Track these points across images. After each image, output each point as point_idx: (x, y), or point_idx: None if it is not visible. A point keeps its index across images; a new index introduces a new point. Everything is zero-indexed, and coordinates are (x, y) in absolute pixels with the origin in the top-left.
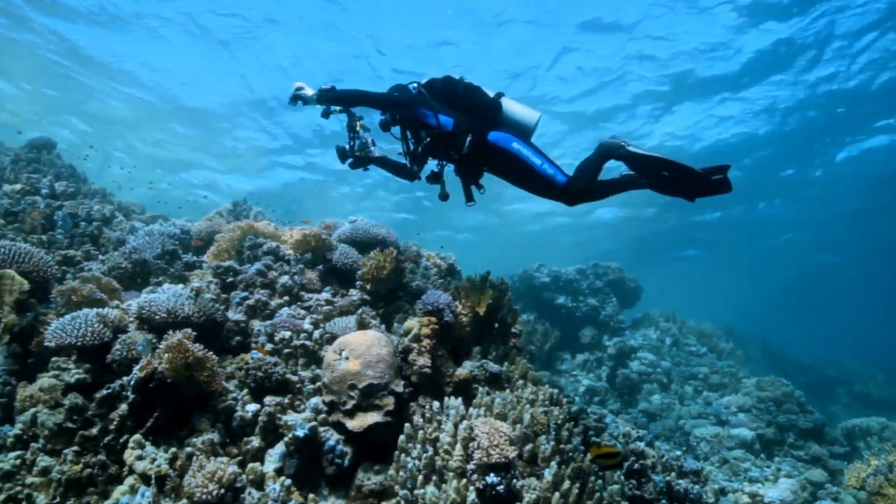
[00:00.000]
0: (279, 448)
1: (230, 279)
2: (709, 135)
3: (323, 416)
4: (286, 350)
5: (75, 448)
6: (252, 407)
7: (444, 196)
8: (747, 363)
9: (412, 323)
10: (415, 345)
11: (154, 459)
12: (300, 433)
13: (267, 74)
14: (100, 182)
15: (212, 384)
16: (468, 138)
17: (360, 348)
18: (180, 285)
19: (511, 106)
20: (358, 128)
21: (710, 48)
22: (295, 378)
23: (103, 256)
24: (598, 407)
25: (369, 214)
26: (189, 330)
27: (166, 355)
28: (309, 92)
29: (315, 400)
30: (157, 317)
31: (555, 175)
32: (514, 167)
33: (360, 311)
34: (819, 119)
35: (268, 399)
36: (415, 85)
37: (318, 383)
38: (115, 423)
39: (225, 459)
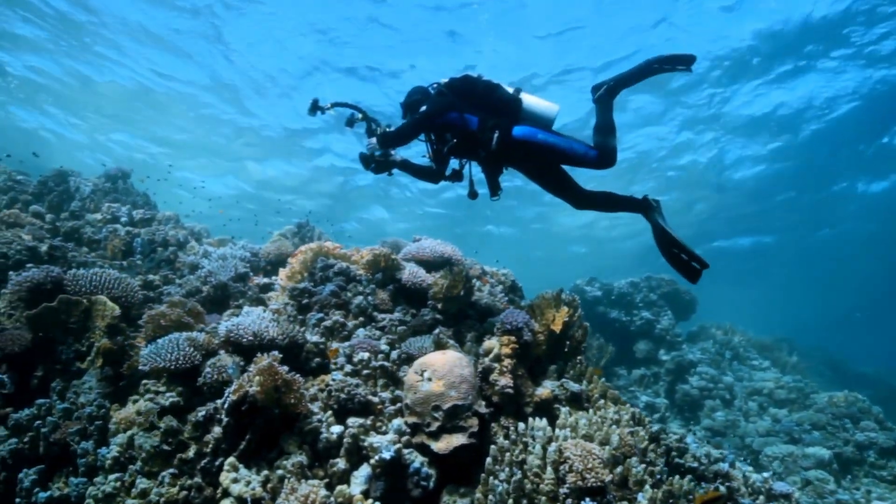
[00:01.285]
0: (364, 470)
1: (305, 301)
2: None
3: (406, 437)
4: (365, 371)
5: (172, 470)
6: (336, 429)
7: (472, 194)
8: (811, 377)
9: (492, 342)
10: (496, 364)
11: (248, 482)
12: (386, 455)
13: None
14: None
15: (298, 406)
16: (495, 135)
17: (442, 369)
18: (259, 308)
19: (530, 100)
20: (378, 132)
21: None
22: (376, 399)
23: (180, 280)
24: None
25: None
26: (276, 353)
27: (257, 378)
28: (375, 144)
29: (398, 421)
30: (244, 340)
31: (586, 151)
32: (543, 158)
33: (437, 331)
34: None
35: (351, 420)
36: (434, 86)
37: (399, 404)
38: (210, 445)
39: (316, 482)
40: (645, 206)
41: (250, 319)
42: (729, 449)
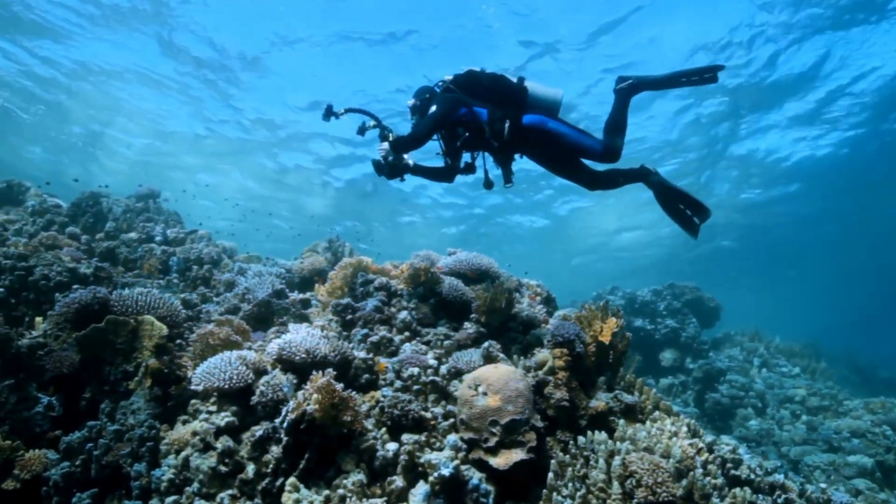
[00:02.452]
0: (422, 488)
1: (349, 317)
2: None
3: (463, 453)
4: (415, 386)
5: (231, 492)
6: (392, 446)
7: (488, 184)
8: (838, 383)
9: (545, 355)
10: (550, 378)
11: (311, 503)
12: (445, 472)
13: None
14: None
15: (354, 424)
16: (506, 125)
17: (497, 383)
18: (305, 324)
19: (535, 88)
20: (390, 138)
21: None
22: (428, 415)
23: (217, 298)
24: None
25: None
26: (331, 370)
27: (314, 396)
28: (388, 147)
29: (453, 437)
30: (297, 357)
31: (593, 145)
32: (553, 145)
33: (486, 344)
34: None
35: (405, 437)
36: (440, 84)
37: (452, 420)
38: (271, 465)
39: (379, 501)
40: (645, 174)
41: (301, 336)
42: (773, 459)
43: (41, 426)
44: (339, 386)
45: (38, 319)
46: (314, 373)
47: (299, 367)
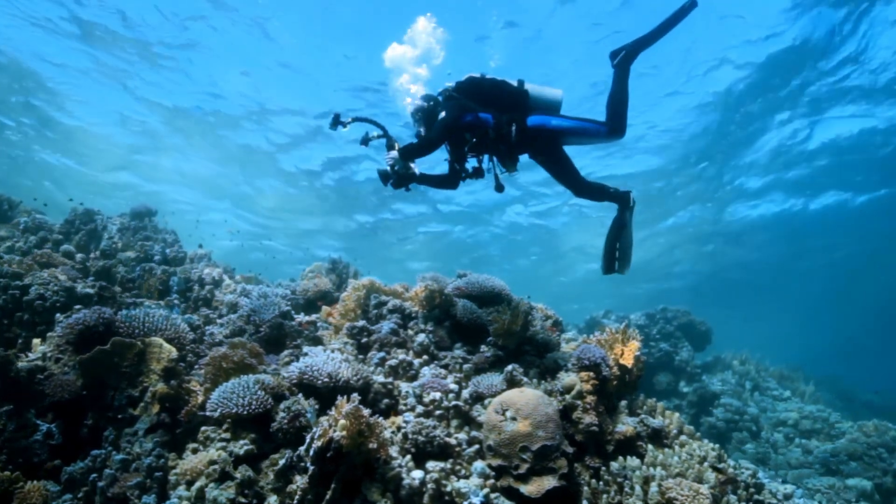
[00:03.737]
0: None
1: (364, 339)
2: None
3: (491, 481)
4: (437, 412)
5: None
6: (417, 474)
7: (499, 188)
8: (827, 406)
9: (573, 379)
10: (578, 402)
11: None
12: (476, 501)
13: None
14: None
15: (380, 451)
16: (513, 129)
17: (526, 408)
18: (320, 347)
19: (536, 90)
20: (396, 147)
21: None
22: (453, 441)
23: (221, 320)
24: None
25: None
26: (357, 395)
27: (341, 422)
28: (396, 156)
29: (480, 464)
30: (319, 382)
31: (598, 128)
32: (560, 141)
33: (510, 368)
34: None
35: (430, 464)
36: (443, 92)
37: (477, 446)
38: (296, 497)
39: None
40: (625, 200)
41: (321, 360)
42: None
43: (40, 455)
44: (367, 412)
45: (36, 341)
46: (339, 398)
47: (321, 392)
